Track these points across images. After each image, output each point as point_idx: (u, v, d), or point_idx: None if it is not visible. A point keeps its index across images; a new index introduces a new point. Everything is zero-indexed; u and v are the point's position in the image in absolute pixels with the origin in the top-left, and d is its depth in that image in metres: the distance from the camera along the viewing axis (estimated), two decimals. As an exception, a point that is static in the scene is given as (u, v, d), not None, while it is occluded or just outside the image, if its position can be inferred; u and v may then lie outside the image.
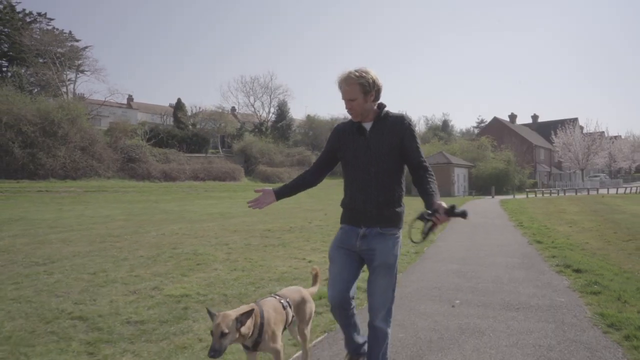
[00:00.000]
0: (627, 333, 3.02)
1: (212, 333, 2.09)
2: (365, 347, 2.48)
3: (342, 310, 2.36)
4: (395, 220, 2.34)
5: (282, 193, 2.51)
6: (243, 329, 2.13)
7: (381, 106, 2.38)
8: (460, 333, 3.25)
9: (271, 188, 2.53)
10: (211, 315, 2.17)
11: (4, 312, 3.98)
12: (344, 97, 2.33)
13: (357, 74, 2.27)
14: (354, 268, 2.38)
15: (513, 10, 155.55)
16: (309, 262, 6.43)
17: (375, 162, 2.29)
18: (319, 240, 8.63)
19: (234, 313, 2.14)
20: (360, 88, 2.27)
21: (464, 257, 6.56)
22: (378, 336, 2.38)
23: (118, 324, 3.62)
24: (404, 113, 2.47)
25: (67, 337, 3.31)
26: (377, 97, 2.34)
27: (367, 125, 2.36)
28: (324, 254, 7.07)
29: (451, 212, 2.05)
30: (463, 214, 2.05)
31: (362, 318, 2.56)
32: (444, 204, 2.08)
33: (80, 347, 3.13)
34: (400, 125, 2.33)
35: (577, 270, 5.19)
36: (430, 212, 2.08)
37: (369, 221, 2.32)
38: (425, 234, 2.16)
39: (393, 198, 2.33)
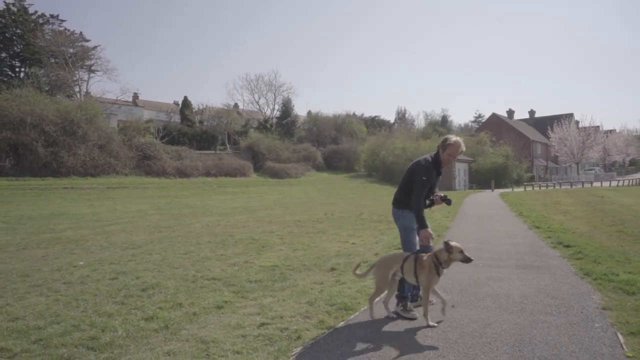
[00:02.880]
0: (595, 277, 4.66)
1: (461, 252, 3.38)
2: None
3: None
4: None
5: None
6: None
7: None
8: (488, 280, 4.85)
9: (429, 229, 3.74)
10: (447, 244, 3.40)
11: (150, 277, 5.42)
12: (455, 155, 4.00)
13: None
14: None
15: (511, 6, 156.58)
16: (353, 244, 7.88)
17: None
18: (350, 228, 10.09)
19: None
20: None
21: (477, 239, 8.11)
22: None
23: (243, 282, 5.06)
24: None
25: (216, 289, 4.77)
26: None
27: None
28: (362, 238, 8.55)
29: (444, 198, 3.97)
30: (448, 201, 4.01)
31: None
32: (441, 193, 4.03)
33: (231, 294, 4.58)
34: None
35: (567, 246, 6.78)
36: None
37: None
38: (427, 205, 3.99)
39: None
